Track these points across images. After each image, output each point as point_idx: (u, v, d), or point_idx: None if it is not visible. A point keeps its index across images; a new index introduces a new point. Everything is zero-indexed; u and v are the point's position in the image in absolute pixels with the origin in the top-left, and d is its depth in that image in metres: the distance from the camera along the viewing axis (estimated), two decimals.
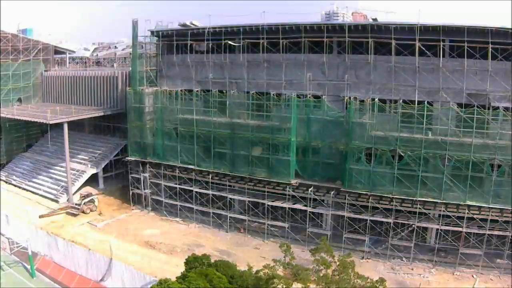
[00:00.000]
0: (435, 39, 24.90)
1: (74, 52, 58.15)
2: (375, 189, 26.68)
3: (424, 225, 26.35)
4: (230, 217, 32.08)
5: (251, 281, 19.30)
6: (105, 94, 43.45)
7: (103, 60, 58.72)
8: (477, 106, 23.73)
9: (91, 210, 34.82)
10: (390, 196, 26.44)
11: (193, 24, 34.27)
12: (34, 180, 41.33)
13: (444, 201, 25.38)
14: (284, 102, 29.13)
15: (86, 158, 41.31)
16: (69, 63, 56.56)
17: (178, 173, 33.93)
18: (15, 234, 30.54)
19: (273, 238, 29.77)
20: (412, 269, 25.66)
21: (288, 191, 29.20)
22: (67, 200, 37.33)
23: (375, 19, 28.28)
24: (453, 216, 25.27)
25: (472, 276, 24.67)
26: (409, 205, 26.31)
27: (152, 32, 35.52)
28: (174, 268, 24.55)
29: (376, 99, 26.07)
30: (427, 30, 25.13)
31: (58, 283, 27.44)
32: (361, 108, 27.10)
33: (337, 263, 20.90)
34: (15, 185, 41.47)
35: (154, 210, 35.62)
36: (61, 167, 40.65)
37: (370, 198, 26.74)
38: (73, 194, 37.38)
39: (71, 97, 46.45)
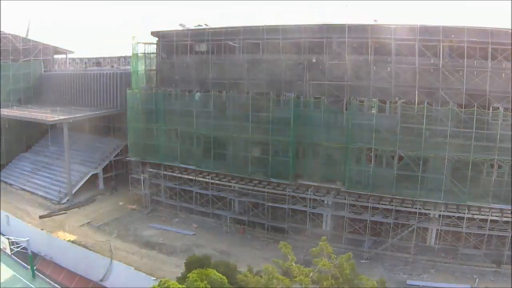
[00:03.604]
0: (435, 40, 24.93)
1: (74, 52, 58.15)
2: (375, 190, 26.70)
3: (424, 225, 26.36)
4: (230, 217, 32.11)
5: (252, 281, 19.28)
6: (105, 94, 43.42)
7: (103, 60, 58.66)
8: (477, 107, 23.75)
9: None
10: (390, 196, 26.46)
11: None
12: (34, 180, 41.32)
13: (444, 202, 25.40)
14: (284, 103, 29.14)
15: (86, 158, 41.32)
16: (69, 63, 56.57)
17: (178, 173, 33.95)
18: (15, 234, 30.50)
19: (273, 239, 29.76)
20: (412, 270, 25.64)
21: (288, 191, 29.20)
22: (67, 200, 37.35)
23: (375, 20, 28.30)
24: (453, 216, 25.29)
25: (472, 276, 24.66)
26: (409, 206, 26.32)
27: (152, 33, 35.55)
28: (174, 269, 24.57)
29: (376, 99, 26.08)
30: (427, 30, 25.16)
31: (58, 284, 27.42)
32: (361, 108, 27.11)
33: (337, 263, 20.87)
34: (15, 186, 41.48)
35: (154, 211, 35.61)
36: (61, 167, 40.65)
37: (370, 198, 26.76)
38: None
39: (71, 97, 46.43)
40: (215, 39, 32.06)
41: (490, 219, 24.52)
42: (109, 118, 43.68)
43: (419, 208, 25.82)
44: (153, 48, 36.27)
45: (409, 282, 24.32)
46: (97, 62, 56.69)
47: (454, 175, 25.03)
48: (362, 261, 26.25)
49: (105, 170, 40.80)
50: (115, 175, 41.16)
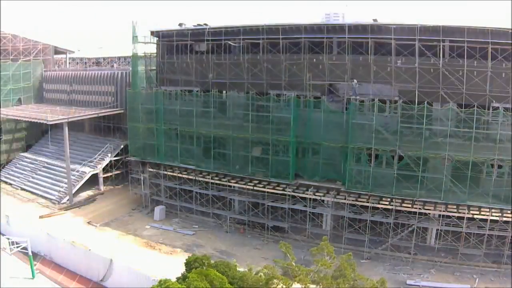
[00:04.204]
0: (435, 40, 24.93)
1: (74, 52, 58.20)
2: (375, 190, 26.70)
3: (424, 225, 26.37)
4: (230, 217, 32.12)
5: (252, 281, 19.30)
6: (105, 94, 43.45)
7: (103, 60, 58.67)
8: (477, 106, 23.75)
9: None
10: (390, 196, 26.46)
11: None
12: (34, 180, 41.34)
13: (444, 202, 25.40)
14: (284, 103, 29.15)
15: (86, 158, 41.30)
16: (69, 63, 56.58)
17: (178, 173, 33.95)
18: (15, 234, 30.48)
19: (273, 238, 29.77)
20: (412, 269, 25.66)
21: (288, 191, 29.20)
22: (67, 200, 37.35)
23: (375, 20, 28.30)
24: (453, 216, 25.29)
25: (472, 276, 24.67)
26: (409, 206, 26.32)
27: (152, 32, 35.54)
28: (174, 268, 24.51)
29: (376, 99, 26.08)
30: (427, 30, 25.16)
31: (58, 283, 27.37)
32: (361, 108, 27.12)
33: (337, 263, 20.93)
34: (15, 185, 41.48)
35: (154, 211, 35.58)
36: (61, 167, 40.66)
37: (370, 198, 26.75)
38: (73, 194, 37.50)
39: (71, 97, 46.48)
40: (215, 39, 32.05)
41: (490, 219, 24.53)
42: (109, 118, 43.67)
43: (419, 208, 25.83)
44: (153, 48, 36.29)
45: (409, 282, 24.33)
46: (97, 62, 56.69)
47: (454, 175, 25.02)
48: (362, 260, 26.27)
49: (105, 170, 40.80)
50: (115, 175, 41.18)
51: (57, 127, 43.09)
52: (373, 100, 26.04)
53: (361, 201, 27.27)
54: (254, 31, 30.38)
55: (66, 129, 37.40)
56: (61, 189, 38.44)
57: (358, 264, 23.57)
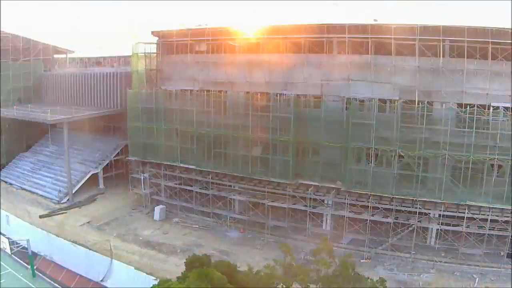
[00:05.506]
0: (435, 40, 24.93)
1: (74, 52, 58.15)
2: (375, 189, 26.70)
3: (424, 225, 26.37)
4: (230, 217, 32.12)
5: (252, 281, 19.29)
6: (105, 94, 43.45)
7: (103, 60, 58.66)
8: (477, 106, 23.74)
9: None
10: (390, 196, 26.47)
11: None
12: (34, 180, 41.34)
13: (444, 201, 25.40)
14: (284, 102, 29.14)
15: (86, 158, 41.34)
16: (69, 63, 56.55)
17: (178, 173, 33.97)
18: (15, 234, 30.51)
19: (273, 238, 29.78)
20: (412, 269, 25.67)
21: (288, 191, 29.21)
22: (68, 200, 37.35)
23: (375, 20, 28.29)
24: (453, 216, 25.27)
25: (472, 276, 24.68)
26: (409, 205, 26.33)
27: (152, 32, 35.54)
28: (174, 268, 24.55)
29: (376, 99, 26.07)
30: (427, 30, 25.16)
31: (58, 283, 27.42)
32: (361, 108, 27.12)
33: (337, 263, 20.93)
34: (15, 185, 41.48)
35: (154, 210, 35.59)
36: (61, 167, 40.69)
37: (370, 198, 26.76)
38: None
39: (71, 97, 46.47)
40: (215, 39, 32.06)
41: (490, 219, 24.53)
42: (109, 118, 43.65)
43: (419, 208, 25.84)
44: (153, 48, 36.27)
45: (409, 281, 24.31)
46: (97, 61, 56.68)
47: (454, 175, 25.04)
48: (362, 260, 26.26)
49: (105, 169, 40.81)
50: (115, 175, 41.17)
51: (57, 127, 43.12)
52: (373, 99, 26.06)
53: (361, 201, 27.29)
54: (254, 30, 30.33)
55: (66, 129, 37.41)
56: (61, 189, 38.45)
57: (358, 263, 23.56)
